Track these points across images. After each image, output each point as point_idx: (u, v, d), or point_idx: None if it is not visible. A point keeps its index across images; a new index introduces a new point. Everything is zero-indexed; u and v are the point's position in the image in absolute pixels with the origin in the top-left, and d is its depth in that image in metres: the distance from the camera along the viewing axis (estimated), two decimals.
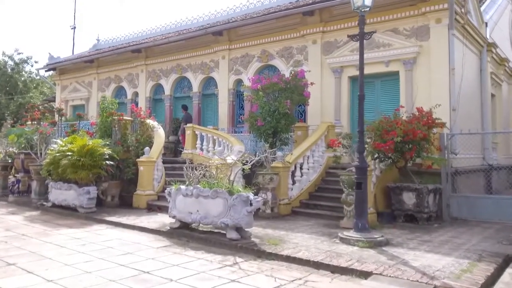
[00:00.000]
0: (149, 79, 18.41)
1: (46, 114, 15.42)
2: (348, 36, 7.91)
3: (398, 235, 7.97)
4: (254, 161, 8.88)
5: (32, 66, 29.22)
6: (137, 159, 11.43)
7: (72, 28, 26.56)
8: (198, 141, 13.92)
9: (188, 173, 8.57)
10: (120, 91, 19.92)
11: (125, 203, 11.61)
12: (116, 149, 11.27)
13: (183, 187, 8.25)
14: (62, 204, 10.68)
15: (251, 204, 7.26)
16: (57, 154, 10.51)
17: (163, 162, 12.19)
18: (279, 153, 10.56)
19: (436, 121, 9.67)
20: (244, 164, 7.90)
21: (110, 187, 11.42)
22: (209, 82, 16.64)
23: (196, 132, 13.95)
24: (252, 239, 7.33)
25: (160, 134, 12.23)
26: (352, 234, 7.25)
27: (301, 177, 10.86)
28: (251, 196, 7.34)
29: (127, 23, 63.37)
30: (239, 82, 15.50)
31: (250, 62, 15.01)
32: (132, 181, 11.65)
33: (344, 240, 7.19)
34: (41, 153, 12.29)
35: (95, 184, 10.80)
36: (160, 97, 18.02)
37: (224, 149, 12.19)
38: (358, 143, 7.66)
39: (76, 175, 10.19)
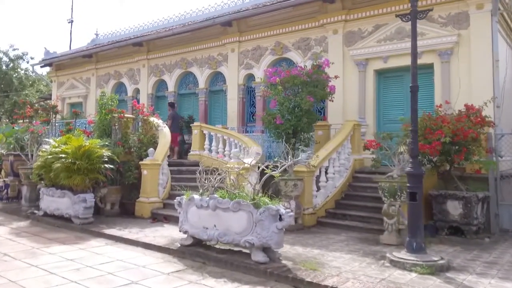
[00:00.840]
0: (151, 75, 17.03)
1: (39, 111, 14.03)
2: (397, 15, 6.55)
3: (453, 254, 6.62)
4: (286, 166, 7.47)
5: (27, 62, 27.75)
6: (140, 162, 10.06)
7: (69, 22, 25.13)
8: (207, 142, 12.56)
9: (201, 179, 7.19)
10: (120, 88, 18.53)
11: (127, 212, 10.24)
12: (116, 150, 9.91)
13: (196, 196, 6.89)
14: (55, 213, 9.28)
15: (281, 219, 5.89)
16: (49, 157, 9.12)
17: (168, 165, 10.82)
18: (303, 155, 9.19)
19: (486, 119, 8.32)
20: (272, 170, 6.52)
21: (110, 193, 10.05)
22: (216, 78, 15.27)
23: (204, 132, 12.59)
24: (283, 262, 5.97)
25: (165, 134, 10.86)
26: (405, 256, 5.90)
27: (326, 182, 9.50)
28: (282, 209, 5.97)
29: (128, 19, 61.81)
30: (250, 77, 14.13)
31: (263, 55, 13.64)
32: (134, 187, 10.29)
33: (397, 264, 5.83)
34: (32, 155, 10.91)
35: (92, 190, 9.42)
36: (163, 94, 16.64)
37: (239, 150, 10.83)
38: (410, 145, 6.30)
39: (71, 181, 8.81)
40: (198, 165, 11.91)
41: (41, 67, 21.63)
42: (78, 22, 59.89)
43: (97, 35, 22.06)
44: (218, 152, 12.10)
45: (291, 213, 6.18)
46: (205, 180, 7.08)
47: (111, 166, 9.35)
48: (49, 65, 21.38)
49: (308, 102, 9.75)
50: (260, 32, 13.65)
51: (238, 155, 8.64)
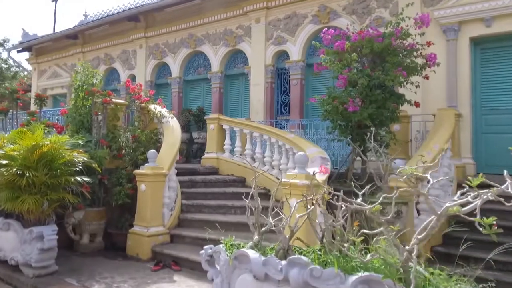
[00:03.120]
0: (150, 57, 13.32)
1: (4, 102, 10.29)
2: None
3: None
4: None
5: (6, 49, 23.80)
6: (135, 171, 6.35)
7: (53, 1, 21.25)
8: (227, 141, 8.87)
9: (255, 212, 3.60)
10: (111, 75, 14.81)
11: (114, 246, 6.57)
12: (98, 153, 6.24)
13: (253, 254, 3.22)
14: None
15: None
16: None
17: (176, 174, 7.11)
18: (398, 161, 5.60)
19: None
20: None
21: (88, 219, 6.37)
22: (235, 58, 11.59)
23: (224, 127, 8.89)
24: None
25: (173, 129, 7.13)
26: None
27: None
28: None
29: None
30: (281, 55, 10.49)
31: (300, 25, 9.98)
32: (127, 208, 6.61)
33: None
34: None
35: (58, 216, 5.73)
36: (165, 81, 12.94)
37: (279, 153, 7.21)
38: None
39: (18, 205, 5.10)
40: (216, 173, 8.27)
41: (18, 52, 17.76)
42: (65, 3, 53.60)
43: (86, 16, 18.11)
44: (243, 156, 8.47)
45: None
46: (271, 217, 3.43)
47: (88, 179, 5.65)
48: (29, 50, 17.57)
49: (399, 78, 6.12)
50: None
51: (303, 161, 4.94)
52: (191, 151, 11.77)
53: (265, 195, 7.49)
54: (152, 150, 6.30)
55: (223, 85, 11.69)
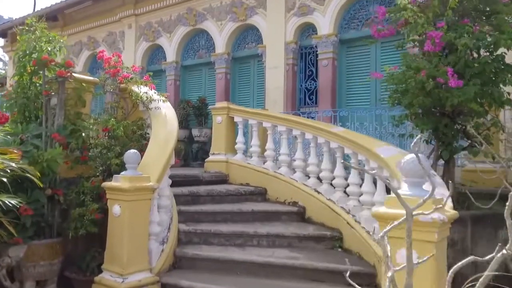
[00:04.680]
0: (141, 39, 10.94)
1: None
2: None
3: None
4: None
5: None
6: (105, 183, 3.92)
7: None
8: (240, 138, 6.50)
9: None
10: (95, 62, 12.33)
11: None
12: (44, 155, 3.85)
13: None
14: None
15: None
16: None
17: (171, 184, 4.71)
18: None
19: None
20: None
21: (32, 257, 3.96)
22: (245, 36, 9.22)
23: (236, 120, 6.51)
24: None
25: (166, 118, 4.63)
26: None
27: None
28: None
29: None
30: (305, 29, 8.16)
31: None
32: (96, 237, 4.19)
33: None
34: None
35: None
36: (159, 68, 10.55)
37: (329, 160, 4.86)
38: None
39: None
40: (225, 181, 5.84)
41: None
42: None
43: None
44: (262, 158, 6.13)
45: None
46: None
47: (17, 200, 3.26)
48: (3, 35, 15.15)
49: None
50: None
51: (417, 172, 2.58)
52: (190, 151, 9.40)
53: (297, 214, 5.14)
54: (132, 151, 3.90)
55: (230, 70, 9.32)
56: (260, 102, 8.65)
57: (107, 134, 4.48)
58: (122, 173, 3.87)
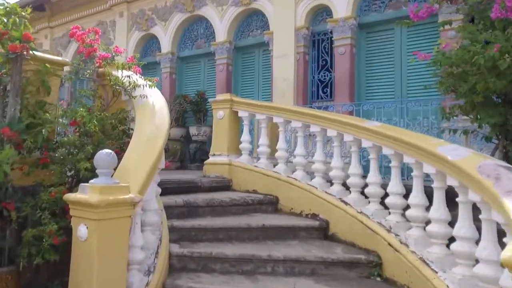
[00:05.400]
0: (134, 28, 9.89)
1: None
2: None
3: None
4: None
5: None
6: (67, 196, 2.86)
7: None
8: (246, 136, 5.46)
9: None
10: None
11: None
12: None
13: None
14: None
15: None
16: None
17: (162, 192, 3.68)
18: None
19: None
20: None
21: None
22: (249, 22, 8.19)
23: (241, 114, 5.47)
24: None
25: (154, 109, 3.57)
26: None
27: None
28: None
29: None
30: (319, 13, 7.13)
31: None
32: (64, 264, 3.13)
33: None
34: None
35: None
36: (153, 60, 9.50)
37: (357, 162, 3.82)
38: None
39: None
40: (228, 187, 4.50)
41: None
42: None
43: None
44: (272, 160, 5.10)
45: None
46: None
47: None
48: None
49: None
50: None
51: None
52: (187, 152, 8.36)
53: (318, 230, 4.11)
54: (105, 151, 2.84)
55: (232, 60, 8.28)
56: (266, 96, 7.62)
57: (77, 129, 3.42)
58: (91, 181, 2.82)
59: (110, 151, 2.88)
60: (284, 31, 7.22)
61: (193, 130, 8.25)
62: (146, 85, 3.68)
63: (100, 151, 2.85)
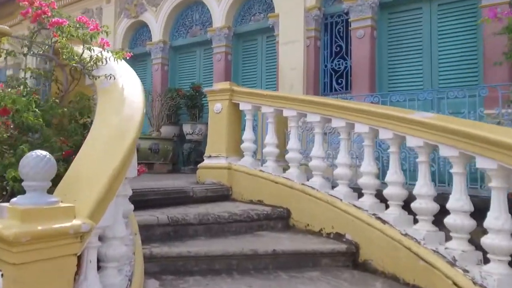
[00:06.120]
0: (122, 15, 8.87)
1: None
2: None
3: None
4: None
5: None
6: None
7: None
8: (248, 134, 4.43)
9: None
10: None
11: None
12: None
13: None
14: None
15: None
16: None
17: (141, 206, 2.62)
18: None
19: None
20: None
21: None
22: (251, 5, 7.17)
23: (243, 107, 4.46)
24: None
25: (123, 98, 2.57)
26: None
27: None
28: None
29: None
30: None
31: None
32: None
33: None
34: None
35: None
36: (143, 50, 8.47)
37: (396, 167, 2.76)
38: None
39: None
40: (227, 197, 3.67)
41: None
42: None
43: None
44: (281, 163, 4.10)
45: None
46: None
47: None
48: None
49: None
50: None
51: None
52: (181, 153, 7.34)
53: (346, 256, 3.09)
54: (35, 154, 1.82)
55: (232, 49, 7.27)
56: (271, 89, 6.59)
57: (8, 121, 2.39)
58: (12, 200, 1.79)
59: (44, 153, 1.84)
60: (292, 13, 6.21)
61: (187, 128, 7.24)
62: (110, 58, 2.64)
63: (28, 153, 1.82)
